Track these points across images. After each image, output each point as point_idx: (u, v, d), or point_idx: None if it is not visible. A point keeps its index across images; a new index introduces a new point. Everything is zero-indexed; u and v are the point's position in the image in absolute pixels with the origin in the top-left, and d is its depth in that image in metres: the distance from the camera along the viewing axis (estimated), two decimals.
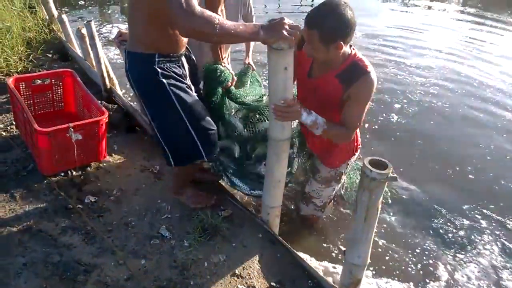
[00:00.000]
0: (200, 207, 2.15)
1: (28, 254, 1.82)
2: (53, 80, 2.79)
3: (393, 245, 2.50)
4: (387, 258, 2.41)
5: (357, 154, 2.18)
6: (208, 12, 1.44)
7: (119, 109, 3.05)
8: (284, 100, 1.60)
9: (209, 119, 1.91)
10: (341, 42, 1.62)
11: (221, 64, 2.06)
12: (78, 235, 1.96)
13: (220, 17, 1.47)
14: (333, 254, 2.40)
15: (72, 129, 2.23)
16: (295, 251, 1.95)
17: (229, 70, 2.11)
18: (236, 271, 1.84)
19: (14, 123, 2.78)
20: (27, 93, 2.70)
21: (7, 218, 2.01)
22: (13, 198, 2.13)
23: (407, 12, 8.30)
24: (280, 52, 1.49)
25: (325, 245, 2.46)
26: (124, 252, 1.89)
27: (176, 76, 1.81)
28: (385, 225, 2.65)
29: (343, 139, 1.87)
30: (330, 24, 1.58)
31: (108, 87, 3.24)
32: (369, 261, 1.66)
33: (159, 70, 1.76)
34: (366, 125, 3.65)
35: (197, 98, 1.90)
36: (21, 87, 2.65)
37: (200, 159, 1.94)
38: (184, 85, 1.84)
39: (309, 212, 2.38)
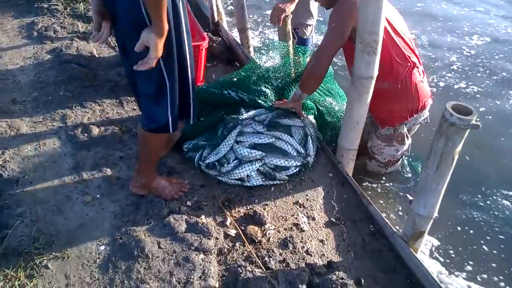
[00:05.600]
0: (178, 197, 1.85)
1: (125, 150, 2.12)
2: None
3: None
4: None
5: (423, 114, 2.11)
6: None
7: (222, 42, 3.21)
8: None
9: None
10: None
11: None
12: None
13: None
14: (400, 209, 2.33)
15: None
16: (365, 194, 1.92)
17: None
18: (300, 201, 1.90)
19: None
20: None
21: (114, 119, 2.33)
22: (120, 104, 2.46)
23: None
24: None
25: (393, 199, 2.40)
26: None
27: None
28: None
29: None
30: None
31: (216, 20, 3.40)
32: (436, 215, 1.59)
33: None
34: None
35: None
36: None
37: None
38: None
39: (374, 169, 2.41)
